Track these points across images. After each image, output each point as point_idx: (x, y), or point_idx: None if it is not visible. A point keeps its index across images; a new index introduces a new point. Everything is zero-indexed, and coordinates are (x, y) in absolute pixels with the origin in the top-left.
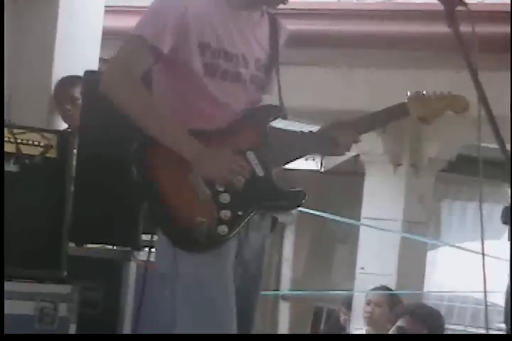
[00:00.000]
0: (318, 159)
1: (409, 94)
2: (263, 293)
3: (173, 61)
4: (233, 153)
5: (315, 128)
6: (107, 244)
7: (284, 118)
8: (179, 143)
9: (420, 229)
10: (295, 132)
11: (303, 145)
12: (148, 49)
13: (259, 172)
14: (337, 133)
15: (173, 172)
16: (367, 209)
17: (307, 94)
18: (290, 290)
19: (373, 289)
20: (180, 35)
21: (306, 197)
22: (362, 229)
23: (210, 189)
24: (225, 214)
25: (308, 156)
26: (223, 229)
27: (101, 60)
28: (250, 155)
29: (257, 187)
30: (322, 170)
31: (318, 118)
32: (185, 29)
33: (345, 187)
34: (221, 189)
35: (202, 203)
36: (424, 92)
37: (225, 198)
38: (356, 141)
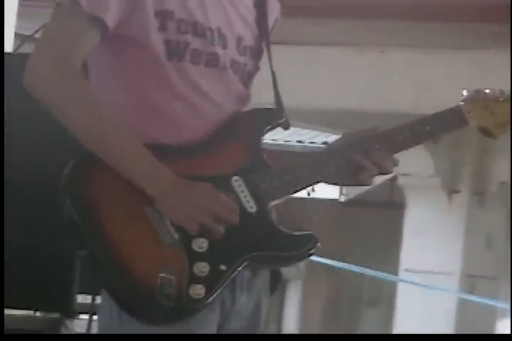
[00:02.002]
0: None
1: (465, 92)
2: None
3: (120, 41)
4: (214, 188)
5: (332, 139)
6: (27, 309)
7: (286, 127)
8: (135, 169)
9: (487, 287)
10: (300, 149)
11: (312, 169)
12: (90, 22)
13: (251, 207)
14: (360, 153)
15: (124, 204)
16: (408, 257)
17: (318, 88)
18: None
19: None
20: (129, 2)
21: (319, 244)
22: (401, 286)
23: (178, 231)
24: (201, 268)
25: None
26: (198, 290)
27: (19, 36)
28: (237, 182)
29: (246, 228)
30: (343, 199)
31: (336, 122)
32: None
33: (375, 224)
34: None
35: (166, 251)
36: (488, 90)
37: (201, 245)
38: (391, 166)
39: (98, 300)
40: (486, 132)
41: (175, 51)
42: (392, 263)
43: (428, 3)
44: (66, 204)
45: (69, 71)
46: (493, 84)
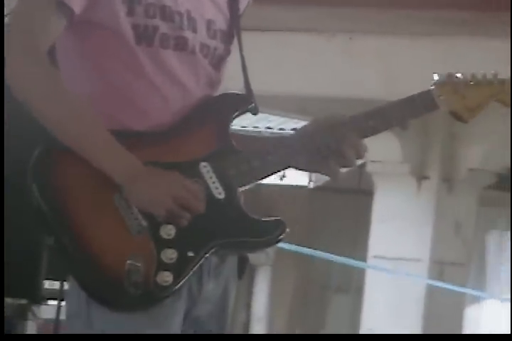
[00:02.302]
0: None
1: (436, 77)
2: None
3: (87, 25)
4: (181, 176)
5: (300, 126)
6: None
7: (255, 113)
8: (102, 157)
9: (456, 274)
10: (266, 137)
11: (281, 154)
12: (56, 7)
13: (219, 193)
14: (330, 138)
15: (91, 192)
16: (377, 244)
17: (287, 74)
18: None
19: None
20: None
21: (287, 230)
22: (369, 273)
23: (146, 218)
24: (169, 255)
25: (282, 175)
26: (166, 277)
27: None
28: (205, 168)
29: (215, 214)
30: (311, 185)
31: (305, 108)
32: None
33: (345, 211)
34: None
35: (134, 239)
36: (459, 75)
37: (169, 232)
38: (361, 152)
39: (66, 286)
40: (456, 116)
41: (143, 36)
42: (360, 249)
43: None
44: (33, 191)
45: (35, 58)
46: (464, 67)
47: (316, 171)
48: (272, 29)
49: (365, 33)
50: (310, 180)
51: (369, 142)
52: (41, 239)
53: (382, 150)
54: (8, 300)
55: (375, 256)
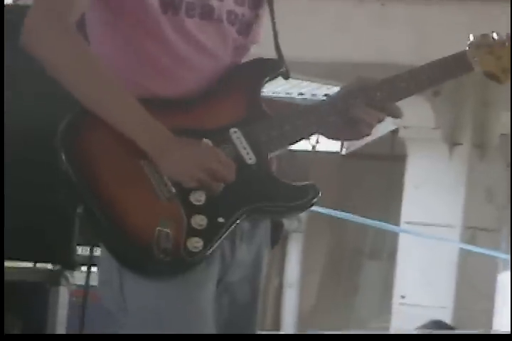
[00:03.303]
0: None
1: (471, 38)
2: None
3: (114, 4)
4: (212, 145)
5: (333, 91)
6: (27, 260)
7: (286, 77)
8: (132, 127)
9: (489, 239)
10: (297, 104)
11: (312, 119)
12: None
13: (249, 158)
14: (362, 101)
15: (119, 160)
16: (409, 209)
17: (318, 40)
18: (295, 333)
19: (420, 327)
20: None
21: (320, 195)
22: (402, 238)
23: (175, 185)
24: (199, 221)
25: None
26: (196, 243)
27: None
28: (235, 134)
29: (245, 180)
30: (344, 152)
31: (337, 74)
32: None
33: (377, 176)
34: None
35: (164, 205)
36: (495, 35)
37: (199, 198)
38: (395, 114)
39: (97, 252)
40: (492, 77)
41: (169, 4)
42: (393, 215)
43: None
44: (61, 159)
45: (64, 28)
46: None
47: (345, 138)
48: None
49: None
50: (342, 147)
51: (402, 108)
52: (74, 207)
53: (414, 116)
54: (40, 266)
55: (407, 222)
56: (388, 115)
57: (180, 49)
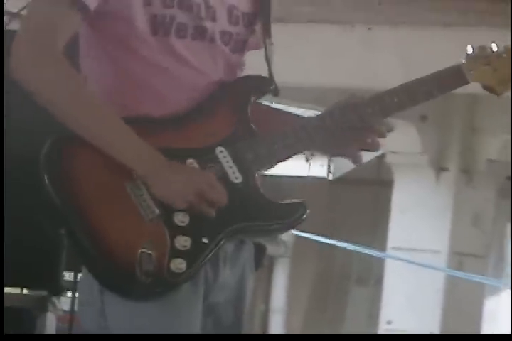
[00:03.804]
0: (324, 161)
1: (469, 50)
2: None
3: (104, 16)
4: (199, 164)
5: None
6: (15, 286)
7: (275, 95)
8: (123, 151)
9: (475, 265)
10: (288, 115)
11: (301, 136)
12: (71, 4)
13: (236, 177)
14: (351, 117)
15: (103, 180)
16: (396, 235)
17: (306, 65)
18: None
19: None
20: None
21: (306, 213)
22: (388, 264)
23: (159, 205)
24: (183, 242)
25: (308, 156)
26: (179, 264)
27: (8, 14)
28: (221, 153)
29: (231, 199)
30: (331, 177)
31: (324, 99)
32: None
33: (363, 202)
34: (168, 204)
35: (147, 226)
36: (493, 47)
37: (182, 219)
38: (384, 131)
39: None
40: (489, 89)
41: (160, 26)
42: (380, 240)
43: None
44: (44, 182)
45: (50, 55)
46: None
47: (338, 155)
48: (290, 21)
49: (383, 24)
50: (329, 172)
51: (388, 133)
52: (59, 230)
53: (401, 141)
54: (28, 292)
55: (394, 247)
56: (380, 131)
57: (168, 69)
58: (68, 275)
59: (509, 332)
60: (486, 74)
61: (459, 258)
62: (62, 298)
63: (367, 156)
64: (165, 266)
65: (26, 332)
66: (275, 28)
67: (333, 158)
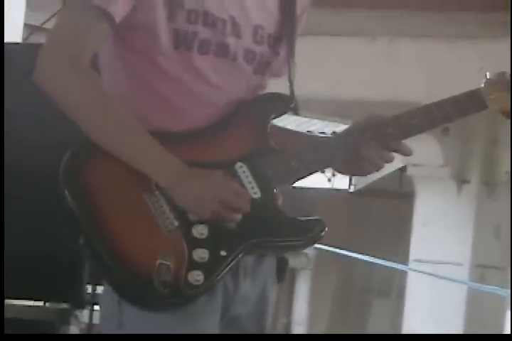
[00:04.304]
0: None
1: (488, 76)
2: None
3: (129, 27)
4: (227, 176)
5: (341, 129)
6: (37, 299)
7: (296, 113)
8: (144, 159)
9: (497, 277)
10: (308, 135)
11: (320, 154)
12: (98, 15)
13: (254, 192)
14: (362, 140)
15: (121, 193)
16: (418, 247)
17: (328, 78)
18: None
19: None
20: None
21: (326, 230)
22: (411, 276)
23: (178, 217)
24: (200, 254)
25: (330, 173)
26: (197, 276)
27: (28, 26)
28: (241, 169)
29: (250, 214)
30: (352, 189)
31: (346, 112)
32: None
33: (385, 214)
34: (195, 218)
35: (166, 238)
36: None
37: (201, 231)
38: (404, 154)
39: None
40: (505, 114)
41: (182, 41)
42: (402, 253)
43: None
44: (64, 194)
45: (78, 67)
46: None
47: (353, 174)
48: (312, 33)
49: (404, 36)
50: (351, 184)
51: (411, 146)
52: (74, 242)
53: (423, 154)
54: (50, 305)
55: (416, 260)
56: (398, 153)
57: (188, 85)
58: (91, 289)
59: None
60: (505, 100)
61: (481, 270)
62: (86, 311)
63: (389, 168)
64: (182, 278)
65: None
66: (299, 40)
67: None
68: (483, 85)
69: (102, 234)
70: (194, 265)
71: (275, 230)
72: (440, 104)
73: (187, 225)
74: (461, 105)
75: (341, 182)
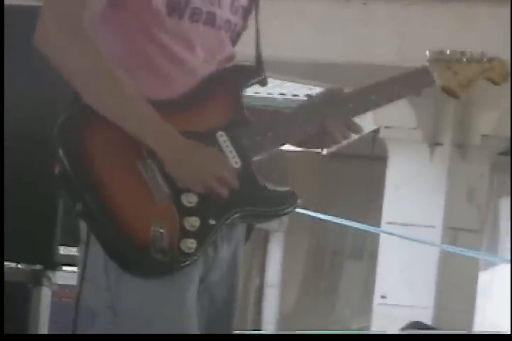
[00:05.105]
0: None
1: (428, 54)
2: (237, 333)
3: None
4: (220, 153)
5: (314, 92)
6: (10, 261)
7: (263, 84)
8: (144, 130)
9: (469, 240)
10: (283, 103)
11: (292, 126)
12: None
13: (235, 162)
14: (327, 113)
15: (116, 159)
16: (390, 210)
17: (301, 40)
18: (276, 331)
19: (400, 330)
20: None
21: (299, 201)
22: (383, 239)
23: (168, 185)
24: (192, 222)
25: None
26: (190, 244)
27: None
28: (221, 138)
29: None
30: (324, 151)
31: (319, 74)
32: None
33: (358, 177)
34: (183, 186)
35: (158, 205)
36: (450, 52)
37: (190, 200)
38: (347, 134)
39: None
40: (448, 91)
41: (176, 8)
42: (374, 216)
43: None
44: (59, 155)
45: (77, 31)
46: (477, 36)
47: (310, 148)
48: None
49: None
50: None
51: (383, 108)
52: (56, 203)
53: (395, 116)
54: (23, 266)
55: (388, 222)
56: (350, 130)
57: (178, 54)
58: (63, 250)
59: (503, 307)
60: (447, 77)
61: (453, 232)
62: (58, 273)
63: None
64: (175, 246)
65: (21, 307)
66: (270, 3)
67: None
68: (426, 63)
69: (97, 199)
70: (186, 233)
71: (255, 200)
72: (393, 80)
73: (177, 193)
74: (412, 81)
75: None
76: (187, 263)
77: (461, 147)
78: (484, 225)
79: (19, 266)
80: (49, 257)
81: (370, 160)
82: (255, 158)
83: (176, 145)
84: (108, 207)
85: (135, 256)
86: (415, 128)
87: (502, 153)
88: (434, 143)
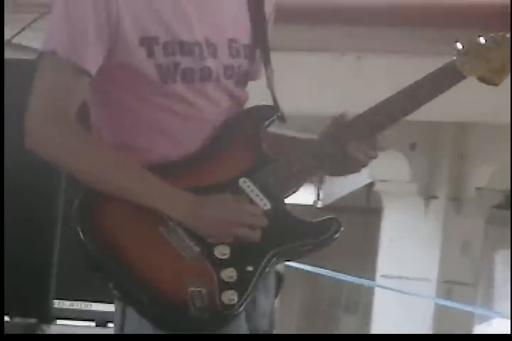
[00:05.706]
0: (312, 189)
1: (458, 46)
2: None
3: (113, 67)
4: (233, 197)
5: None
6: (4, 314)
7: (283, 120)
8: (157, 200)
9: (464, 293)
10: (299, 139)
11: (317, 156)
12: (74, 71)
13: (264, 204)
14: (345, 136)
15: (138, 231)
16: (385, 263)
17: (297, 93)
18: None
19: None
20: (109, 37)
21: (341, 229)
22: (378, 292)
23: (197, 243)
24: (228, 274)
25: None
26: (231, 295)
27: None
28: (245, 184)
29: (266, 226)
30: (319, 204)
31: (314, 127)
32: (116, 27)
33: (352, 230)
34: (213, 240)
35: (192, 266)
36: (480, 39)
37: (223, 252)
38: (373, 154)
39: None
40: (485, 81)
41: (166, 74)
42: (369, 269)
43: (405, 9)
44: (81, 239)
45: (64, 124)
46: (472, 89)
47: (342, 174)
48: (281, 49)
49: (373, 52)
50: (318, 199)
51: (377, 161)
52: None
53: (390, 169)
54: (17, 320)
55: (383, 276)
56: (373, 149)
57: (182, 114)
58: (58, 303)
59: None
60: (480, 67)
61: (448, 286)
62: (52, 326)
63: (356, 184)
64: (217, 300)
65: None
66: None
67: (322, 186)
68: (454, 57)
69: (128, 275)
70: (225, 285)
71: (293, 235)
72: (419, 83)
73: (208, 249)
74: (439, 80)
75: (308, 198)
76: (232, 315)
77: (456, 200)
78: (479, 279)
79: (14, 319)
80: (44, 311)
81: (365, 213)
82: (286, 195)
83: (186, 204)
84: (141, 280)
85: (175, 319)
86: (410, 182)
87: (496, 206)
88: (429, 197)
